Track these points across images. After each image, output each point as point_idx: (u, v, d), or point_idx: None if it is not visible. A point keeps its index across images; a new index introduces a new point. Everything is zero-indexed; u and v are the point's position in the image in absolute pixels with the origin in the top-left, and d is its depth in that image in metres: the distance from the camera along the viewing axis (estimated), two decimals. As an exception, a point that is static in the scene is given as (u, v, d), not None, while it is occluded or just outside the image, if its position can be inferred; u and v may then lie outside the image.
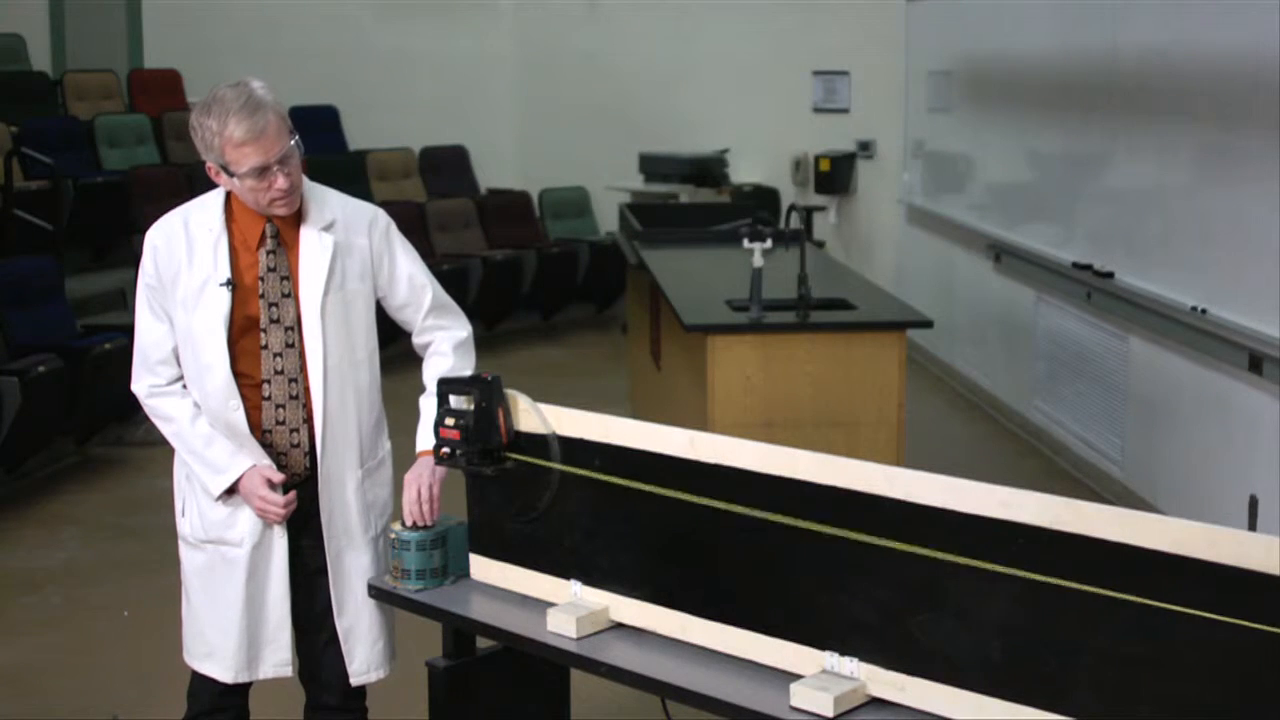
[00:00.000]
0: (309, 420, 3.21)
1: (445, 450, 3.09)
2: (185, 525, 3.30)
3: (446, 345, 3.40)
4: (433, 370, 3.36)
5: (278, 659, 3.28)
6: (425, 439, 3.29)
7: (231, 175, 3.08)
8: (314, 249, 3.20)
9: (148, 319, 3.23)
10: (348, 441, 3.26)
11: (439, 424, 3.09)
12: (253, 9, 11.14)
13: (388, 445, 3.39)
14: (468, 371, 3.36)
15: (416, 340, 3.39)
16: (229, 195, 3.20)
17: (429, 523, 3.19)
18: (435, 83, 11.63)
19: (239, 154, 3.05)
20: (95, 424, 7.27)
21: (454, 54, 11.73)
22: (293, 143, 3.11)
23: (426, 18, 11.68)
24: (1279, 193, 5.04)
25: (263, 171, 3.07)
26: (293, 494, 3.19)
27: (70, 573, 5.89)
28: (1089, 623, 2.27)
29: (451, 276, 9.73)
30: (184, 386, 3.23)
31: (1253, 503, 5.29)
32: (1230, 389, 5.51)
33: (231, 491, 3.19)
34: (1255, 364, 5.25)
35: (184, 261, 3.16)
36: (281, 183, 3.09)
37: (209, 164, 3.12)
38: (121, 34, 11.19)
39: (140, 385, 3.26)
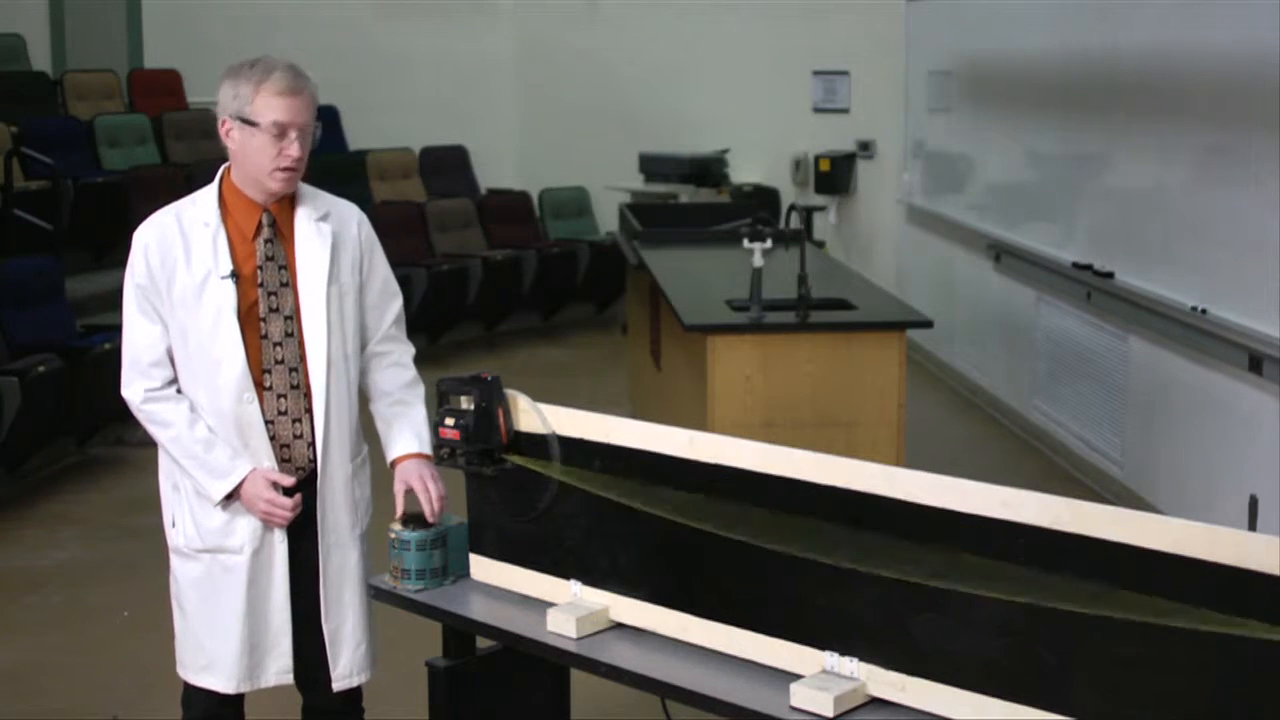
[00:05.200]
0: (310, 410, 3.20)
1: (445, 451, 3.09)
2: (178, 536, 3.25)
3: (407, 358, 3.41)
4: (395, 379, 3.36)
5: (280, 666, 3.26)
6: (407, 443, 3.30)
7: (251, 124, 3.08)
8: (311, 239, 3.20)
9: (139, 321, 3.17)
10: (342, 433, 3.25)
11: (439, 424, 3.09)
12: (253, 9, 11.14)
13: (365, 446, 3.38)
14: (422, 386, 3.37)
15: (374, 348, 3.35)
16: (222, 188, 3.19)
17: (433, 521, 3.19)
18: (435, 83, 11.63)
19: (269, 103, 3.07)
20: (95, 424, 7.26)
21: (454, 54, 11.74)
22: (314, 125, 3.14)
23: (426, 18, 11.68)
24: (1279, 193, 5.04)
25: (284, 130, 3.08)
26: (299, 496, 3.17)
27: (70, 573, 5.89)
28: (1089, 623, 2.27)
29: (451, 276, 9.74)
30: (178, 390, 3.19)
31: (1253, 503, 5.29)
32: (1230, 389, 5.51)
33: (231, 497, 3.16)
34: (1255, 364, 5.25)
35: (181, 259, 3.13)
36: (294, 150, 3.10)
37: (225, 120, 3.12)
38: (121, 34, 11.19)
39: (133, 390, 3.19)
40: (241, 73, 3.11)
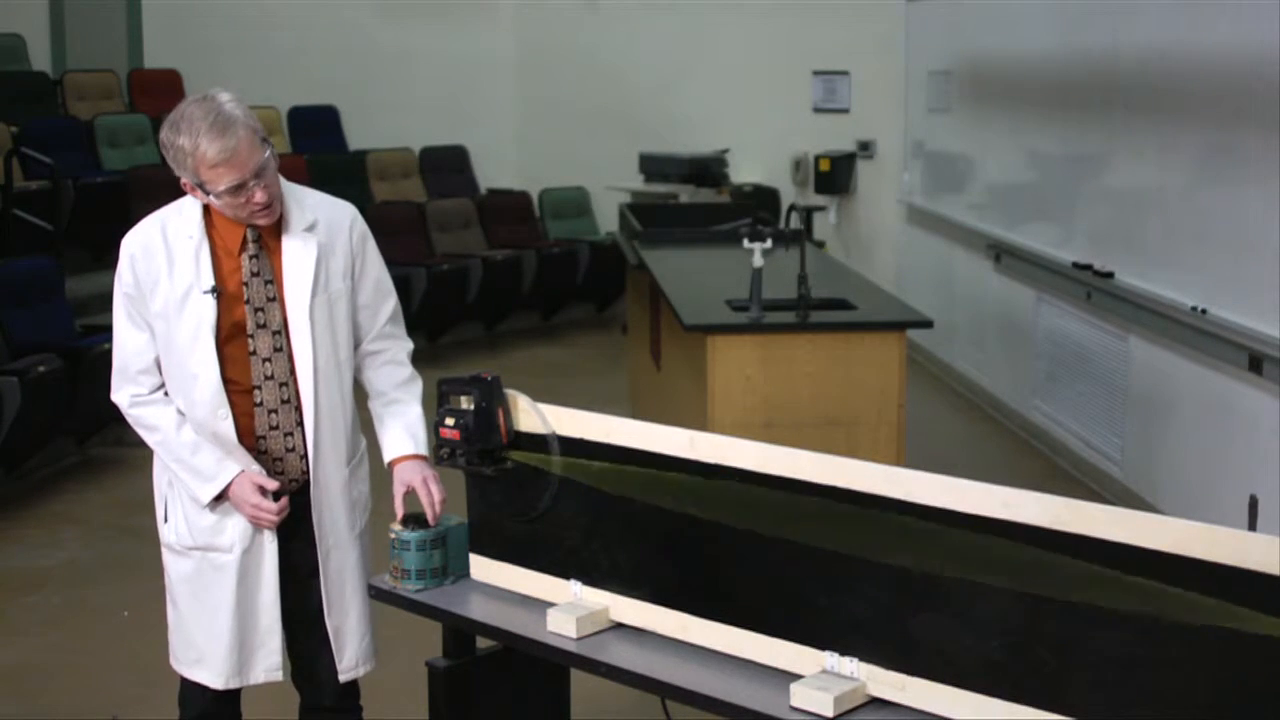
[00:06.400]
0: (301, 424, 3.20)
1: (445, 451, 3.09)
2: (169, 532, 3.27)
3: (403, 355, 3.39)
4: (391, 378, 3.35)
5: (269, 664, 3.27)
6: (403, 444, 3.29)
7: (208, 193, 3.05)
8: (298, 252, 3.17)
9: (127, 329, 3.18)
10: (336, 442, 3.25)
11: (439, 424, 3.09)
12: (253, 9, 11.14)
13: (363, 442, 3.38)
14: (419, 383, 3.36)
15: (368, 347, 3.34)
16: None
17: (431, 522, 3.19)
18: (435, 83, 11.63)
19: (214, 174, 3.01)
20: (95, 424, 7.26)
21: (454, 54, 11.74)
22: (267, 154, 3.07)
23: (426, 18, 11.68)
24: (1279, 193, 5.04)
25: (240, 188, 3.03)
26: (285, 500, 3.18)
27: (70, 573, 5.89)
28: (1089, 622, 2.27)
29: (451, 276, 9.75)
30: (165, 394, 3.20)
31: (1253, 503, 5.29)
32: (1230, 389, 5.51)
33: (220, 498, 3.17)
34: (1255, 364, 5.25)
35: (164, 270, 3.12)
36: (260, 197, 3.06)
37: (184, 180, 3.09)
38: (121, 34, 11.19)
39: (121, 395, 3.21)
40: (175, 142, 3.03)
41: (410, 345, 3.43)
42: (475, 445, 3.03)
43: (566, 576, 3.00)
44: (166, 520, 3.28)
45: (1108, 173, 6.81)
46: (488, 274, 9.97)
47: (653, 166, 10.99)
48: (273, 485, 3.16)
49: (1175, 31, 6.02)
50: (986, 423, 8.31)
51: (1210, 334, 5.57)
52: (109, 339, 3.35)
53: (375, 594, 3.24)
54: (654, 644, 2.84)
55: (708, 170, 10.83)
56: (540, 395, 3.07)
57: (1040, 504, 2.33)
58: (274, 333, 3.17)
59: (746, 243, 5.69)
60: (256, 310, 3.16)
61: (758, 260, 5.59)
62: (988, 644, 2.38)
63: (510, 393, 3.08)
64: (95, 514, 6.60)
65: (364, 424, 3.37)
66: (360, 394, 3.36)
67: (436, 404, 3.14)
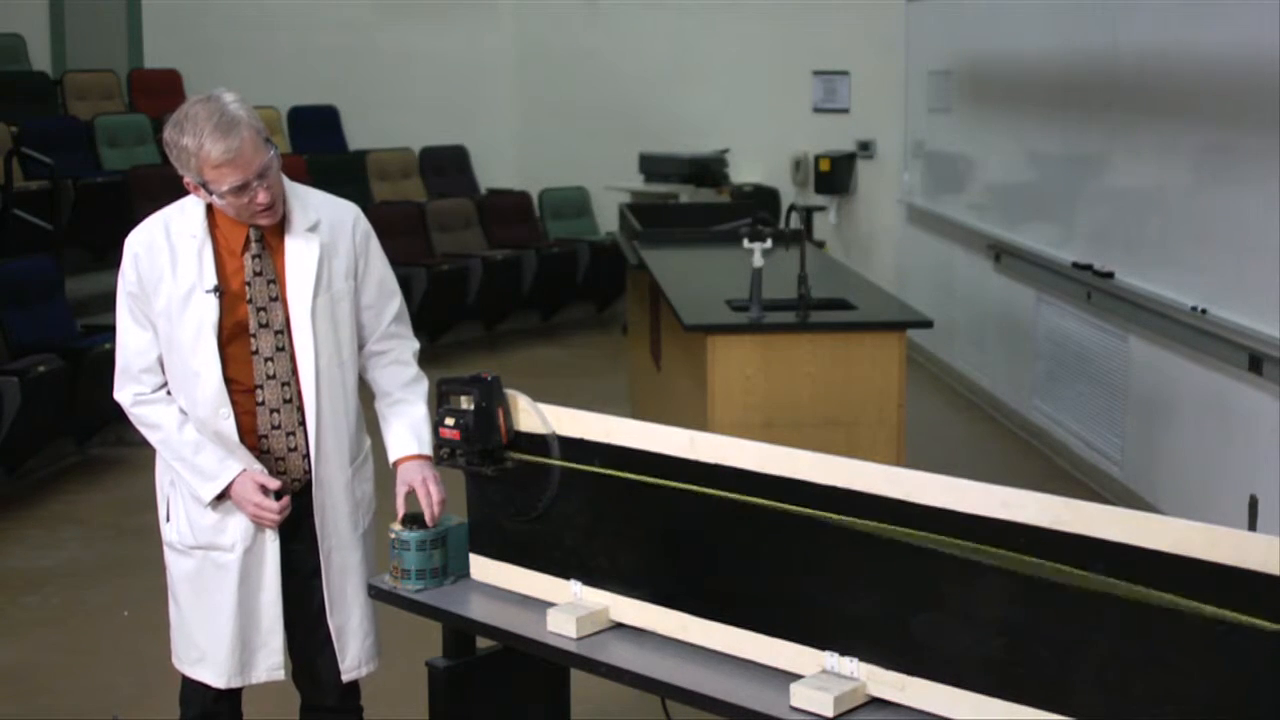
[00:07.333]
0: (304, 423, 3.20)
1: (445, 451, 3.09)
2: (171, 531, 3.28)
3: (408, 355, 3.39)
4: (395, 378, 3.36)
5: (270, 663, 3.28)
6: (407, 444, 3.30)
7: (211, 193, 3.06)
8: (301, 252, 3.18)
9: (130, 327, 3.19)
10: (339, 442, 3.25)
11: (439, 424, 3.09)
12: (253, 9, 11.15)
13: (368, 441, 3.39)
14: (424, 382, 3.37)
15: (373, 347, 3.34)
16: None
17: (429, 522, 3.19)
18: (435, 83, 11.63)
19: (217, 174, 3.01)
20: (95, 424, 7.27)
21: (454, 54, 11.74)
22: (271, 155, 3.07)
23: (426, 18, 11.68)
24: (1279, 193, 5.04)
25: (243, 188, 3.04)
26: (287, 499, 3.18)
27: (70, 573, 5.89)
28: (1089, 622, 2.27)
29: (451, 276, 9.75)
30: (168, 393, 3.20)
31: (1253, 503, 5.29)
32: (1230, 389, 5.51)
33: (222, 497, 3.17)
34: (1255, 364, 5.25)
35: (167, 269, 3.13)
36: (263, 197, 3.07)
37: (186, 179, 3.09)
38: (121, 34, 11.19)
39: (124, 394, 3.22)
40: (179, 142, 3.03)
41: (416, 345, 3.43)
42: (475, 445, 3.03)
43: (566, 576, 3.00)
44: (169, 519, 3.28)
45: (1108, 173, 6.81)
46: (488, 274, 9.97)
47: (653, 166, 10.99)
48: (274, 484, 3.16)
49: (1175, 31, 6.02)
50: (986, 423, 8.31)
51: (1210, 334, 5.57)
52: (109, 339, 3.35)
53: (375, 594, 3.24)
54: (654, 644, 2.84)
55: (708, 170, 10.83)
56: (540, 395, 3.07)
57: (1040, 504, 2.33)
58: (276, 332, 3.17)
59: (746, 243, 5.69)
60: (259, 310, 3.16)
61: (758, 260, 5.59)
62: (988, 644, 2.38)
63: (510, 393, 3.08)
64: (95, 514, 6.60)
65: (369, 424, 3.38)
66: (366, 394, 3.36)
67: (437, 404, 3.14)
